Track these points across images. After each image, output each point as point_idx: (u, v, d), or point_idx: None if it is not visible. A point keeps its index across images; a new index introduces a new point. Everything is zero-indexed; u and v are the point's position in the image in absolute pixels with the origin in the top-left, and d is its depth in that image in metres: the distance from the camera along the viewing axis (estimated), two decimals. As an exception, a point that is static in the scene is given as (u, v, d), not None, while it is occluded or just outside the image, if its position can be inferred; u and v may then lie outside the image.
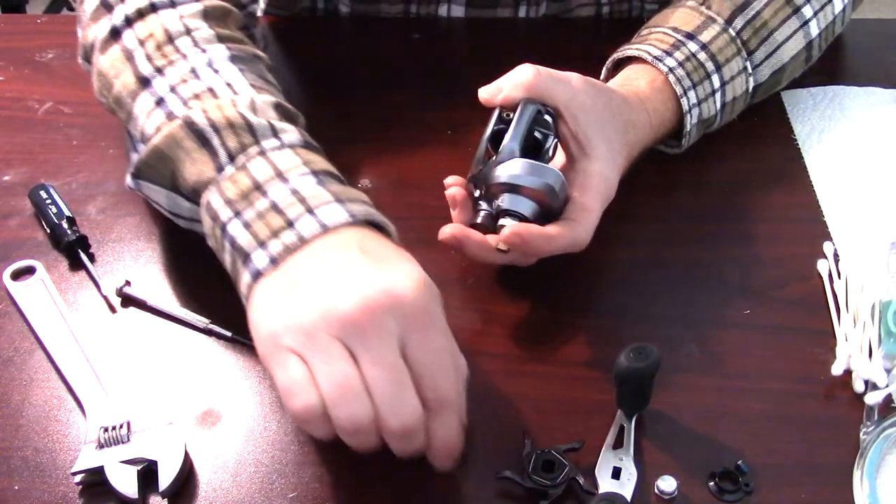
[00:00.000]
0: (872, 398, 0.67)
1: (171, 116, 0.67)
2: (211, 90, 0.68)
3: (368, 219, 0.63)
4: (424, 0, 1.00)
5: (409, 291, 0.57)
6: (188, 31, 0.71)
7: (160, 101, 0.68)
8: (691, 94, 0.80)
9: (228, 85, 0.69)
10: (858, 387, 0.68)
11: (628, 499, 0.62)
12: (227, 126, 0.65)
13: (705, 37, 0.82)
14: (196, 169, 0.65)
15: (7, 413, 0.67)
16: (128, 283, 0.74)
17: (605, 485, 0.63)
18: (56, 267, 0.77)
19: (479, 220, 0.72)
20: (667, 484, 0.63)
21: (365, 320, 0.56)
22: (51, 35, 0.96)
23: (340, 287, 0.57)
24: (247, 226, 0.62)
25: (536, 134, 0.73)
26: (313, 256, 0.59)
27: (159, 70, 0.70)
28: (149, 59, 0.70)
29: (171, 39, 0.71)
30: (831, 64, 0.96)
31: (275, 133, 0.65)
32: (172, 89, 0.69)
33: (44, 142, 0.88)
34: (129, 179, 0.70)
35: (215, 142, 0.65)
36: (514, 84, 0.73)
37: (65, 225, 0.77)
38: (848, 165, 0.85)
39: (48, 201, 0.79)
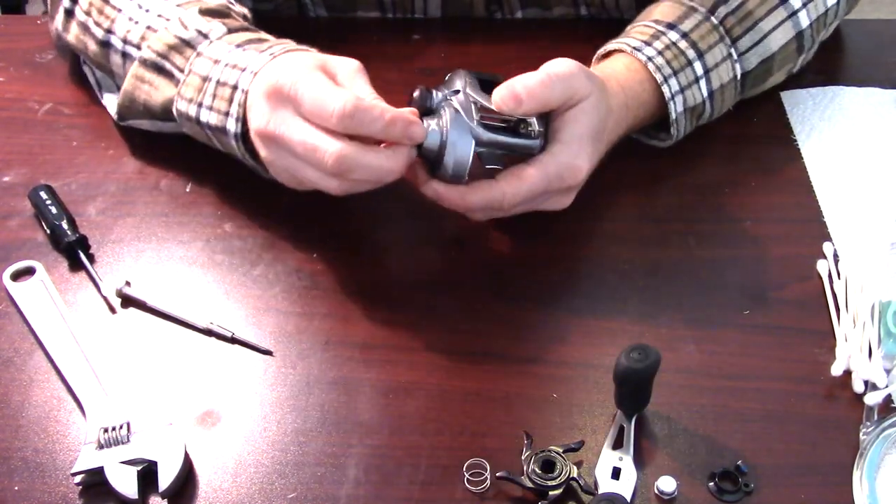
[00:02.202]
0: (872, 398, 0.67)
1: (134, 61, 0.81)
2: (149, 27, 0.81)
3: (287, 49, 0.75)
4: (399, 6, 1.01)
5: (272, 79, 0.71)
6: None
7: (125, 55, 0.83)
8: (673, 81, 0.81)
9: (160, 16, 0.82)
10: (858, 387, 0.68)
11: (628, 499, 0.62)
12: (170, 50, 0.79)
13: (686, 25, 0.83)
14: (161, 94, 0.80)
15: (7, 413, 0.67)
16: (128, 283, 0.74)
17: (605, 485, 0.63)
18: (56, 267, 0.77)
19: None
20: (667, 484, 0.63)
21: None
22: (51, 35, 0.96)
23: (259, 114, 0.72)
24: (210, 108, 0.76)
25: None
26: (249, 100, 0.73)
27: (109, 31, 0.84)
28: (98, 24, 0.84)
29: (106, 1, 0.84)
30: (831, 64, 0.96)
31: (204, 36, 0.79)
32: (125, 41, 0.82)
33: (44, 142, 0.88)
34: (117, 119, 0.85)
35: (168, 66, 0.79)
36: (533, 98, 0.71)
37: (65, 225, 0.77)
38: (848, 166, 0.85)
39: (48, 202, 0.79)
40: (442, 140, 0.71)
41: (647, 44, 0.82)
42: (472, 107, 0.72)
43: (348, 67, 0.73)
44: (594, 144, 0.75)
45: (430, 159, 0.72)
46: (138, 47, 0.81)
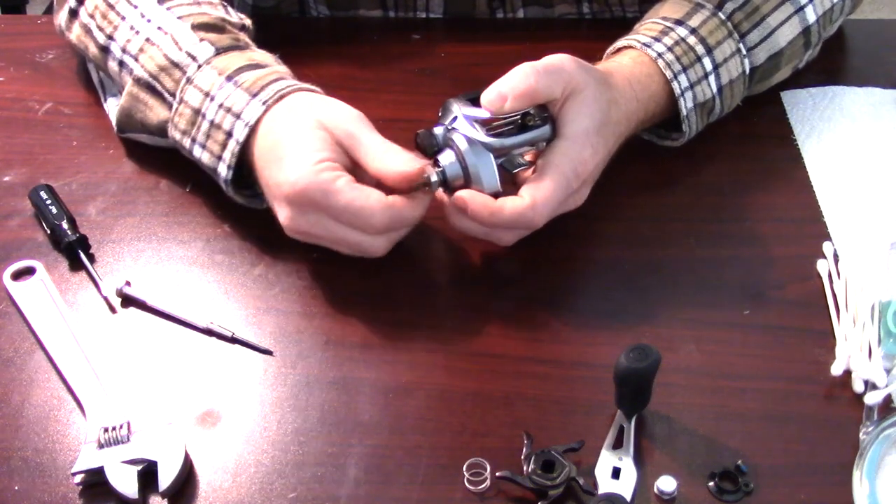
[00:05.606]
0: (872, 398, 0.67)
1: (130, 74, 0.82)
2: (148, 40, 0.81)
3: (280, 95, 0.74)
4: (402, 4, 1.01)
5: (297, 186, 0.70)
6: None
7: (122, 64, 0.83)
8: (682, 77, 0.81)
9: (159, 28, 0.81)
10: (858, 387, 0.68)
11: (628, 499, 0.62)
12: (161, 71, 0.79)
13: (694, 21, 0.83)
14: (155, 114, 0.80)
15: (7, 413, 0.67)
16: (128, 283, 0.74)
17: (605, 485, 0.63)
18: (56, 267, 0.77)
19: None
20: (667, 484, 0.63)
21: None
22: (51, 35, 0.96)
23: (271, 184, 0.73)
24: (203, 147, 0.76)
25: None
26: (250, 153, 0.75)
27: (111, 37, 0.84)
28: (101, 29, 0.84)
29: (111, 7, 0.84)
30: (831, 64, 0.96)
31: (193, 58, 0.78)
32: (124, 50, 0.82)
33: (44, 142, 0.88)
34: (116, 131, 0.85)
35: (159, 87, 0.79)
36: (517, 95, 0.72)
37: (65, 225, 0.77)
38: (848, 165, 0.85)
39: (48, 202, 0.79)
40: (463, 167, 0.72)
41: (657, 40, 0.82)
42: (475, 125, 0.72)
43: (347, 122, 0.73)
44: (599, 136, 0.75)
45: (457, 190, 0.73)
46: (136, 59, 0.81)
